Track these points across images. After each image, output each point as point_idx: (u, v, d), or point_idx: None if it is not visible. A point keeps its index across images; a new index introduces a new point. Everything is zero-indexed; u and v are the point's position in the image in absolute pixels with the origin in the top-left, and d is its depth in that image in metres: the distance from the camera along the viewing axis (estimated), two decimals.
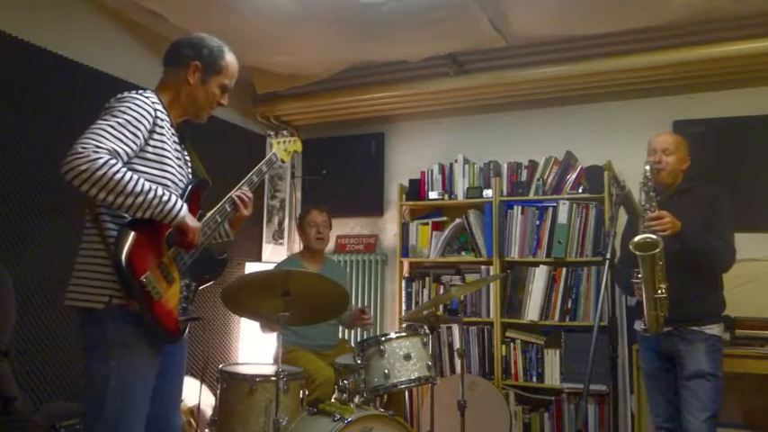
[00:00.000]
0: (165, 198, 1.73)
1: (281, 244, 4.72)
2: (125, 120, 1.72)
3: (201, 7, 3.19)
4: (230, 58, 1.99)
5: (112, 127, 1.69)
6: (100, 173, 1.60)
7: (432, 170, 4.18)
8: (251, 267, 4.23)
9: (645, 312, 2.49)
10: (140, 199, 1.67)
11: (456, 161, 4.11)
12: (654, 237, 2.40)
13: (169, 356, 1.89)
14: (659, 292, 2.44)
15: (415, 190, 4.22)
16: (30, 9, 2.92)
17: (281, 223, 4.74)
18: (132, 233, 1.70)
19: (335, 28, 3.39)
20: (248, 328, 4.11)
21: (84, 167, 1.59)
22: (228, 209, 2.01)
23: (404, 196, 4.23)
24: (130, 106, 1.75)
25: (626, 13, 3.17)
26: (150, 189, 1.70)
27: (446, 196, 4.11)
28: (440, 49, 3.76)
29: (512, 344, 3.81)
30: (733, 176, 3.53)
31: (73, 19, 3.15)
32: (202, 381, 3.28)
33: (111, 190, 1.63)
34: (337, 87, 4.27)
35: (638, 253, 2.40)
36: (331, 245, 4.69)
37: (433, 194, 4.14)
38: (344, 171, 4.63)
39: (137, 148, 1.74)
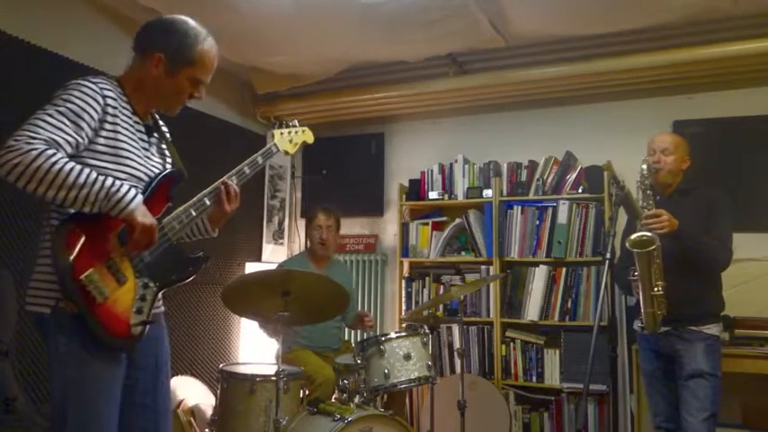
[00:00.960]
0: (114, 189, 1.53)
1: (281, 244, 4.72)
2: (66, 108, 1.54)
3: (201, 7, 3.18)
4: (206, 46, 1.75)
5: (50, 116, 1.52)
6: (34, 165, 1.43)
7: (432, 170, 4.18)
8: (251, 267, 4.23)
9: (642, 310, 2.50)
10: (84, 192, 1.49)
11: (456, 161, 4.11)
12: (650, 234, 2.41)
13: (139, 366, 1.71)
14: (656, 289, 2.44)
15: (415, 190, 4.22)
16: (29, 9, 2.92)
17: (281, 223, 4.74)
18: (72, 228, 1.54)
19: (335, 28, 3.39)
20: (248, 328, 4.12)
21: (16, 161, 1.43)
22: (208, 202, 1.79)
23: (404, 196, 4.23)
24: (73, 93, 1.57)
25: (625, 14, 3.17)
26: (96, 180, 1.51)
27: (446, 196, 4.11)
28: (440, 49, 3.76)
29: (512, 344, 3.82)
30: (733, 177, 3.53)
31: (72, 19, 3.15)
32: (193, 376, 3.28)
33: (50, 183, 1.45)
34: (337, 87, 4.28)
35: (634, 250, 2.41)
36: None
37: (433, 194, 4.14)
38: (344, 171, 4.64)
39: (82, 139, 1.56)
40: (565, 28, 3.42)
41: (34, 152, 1.45)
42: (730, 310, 2.72)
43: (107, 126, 1.63)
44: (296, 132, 2.15)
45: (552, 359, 3.70)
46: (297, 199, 4.87)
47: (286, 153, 2.12)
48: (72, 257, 1.51)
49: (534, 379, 3.75)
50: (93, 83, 1.62)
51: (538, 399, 3.77)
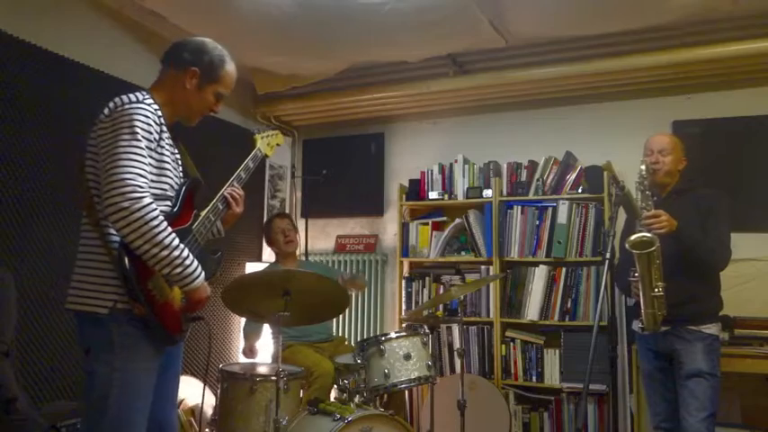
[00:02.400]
0: (188, 262, 1.74)
1: None
2: (139, 141, 1.71)
3: (201, 7, 3.19)
4: (230, 68, 1.98)
5: (139, 158, 1.69)
6: (147, 227, 1.64)
7: (432, 170, 4.19)
8: (251, 267, 4.23)
9: (642, 311, 2.50)
10: (165, 253, 1.68)
11: (456, 161, 4.12)
12: (649, 235, 2.41)
13: (166, 356, 1.90)
14: (656, 290, 2.44)
15: (415, 190, 4.23)
16: (29, 9, 2.93)
17: None
18: None
19: (335, 28, 3.39)
20: None
21: (133, 218, 1.62)
22: (221, 207, 2.03)
23: (404, 196, 4.24)
24: (140, 125, 1.73)
25: (625, 14, 3.18)
26: (178, 246, 1.71)
27: (446, 196, 4.12)
28: (440, 49, 3.77)
29: (511, 343, 3.82)
30: (732, 177, 3.54)
31: (73, 19, 3.15)
32: (205, 381, 3.28)
33: (148, 240, 1.65)
34: (337, 88, 4.28)
35: (634, 251, 2.41)
36: (331, 245, 4.71)
37: (432, 194, 4.15)
38: (344, 171, 4.64)
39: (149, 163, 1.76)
40: (564, 28, 3.43)
41: (145, 211, 1.64)
42: (729, 310, 2.72)
43: (156, 146, 1.80)
44: (272, 136, 2.38)
45: (552, 359, 3.70)
46: (297, 199, 4.87)
47: (266, 156, 2.35)
48: (138, 264, 1.70)
49: (534, 379, 3.75)
50: (148, 105, 1.78)
51: (538, 398, 3.77)
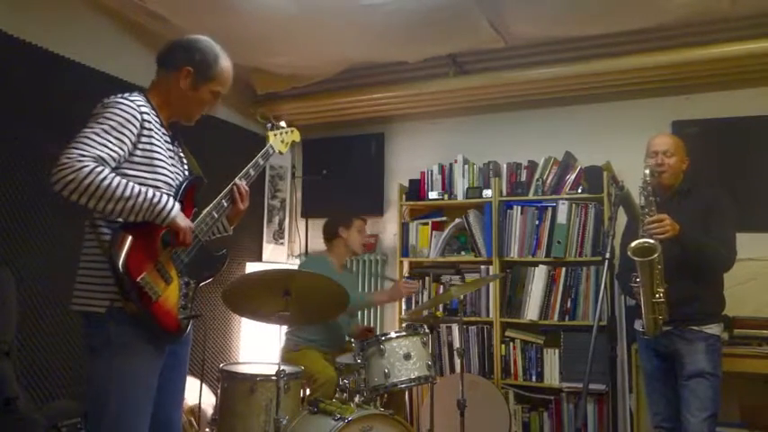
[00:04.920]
0: (156, 200, 1.73)
1: (282, 244, 4.73)
2: (110, 126, 1.72)
3: (201, 7, 3.19)
4: (225, 64, 1.96)
5: (97, 134, 1.69)
6: (87, 182, 1.62)
7: (431, 170, 4.19)
8: (251, 267, 4.23)
9: (643, 316, 2.51)
10: (130, 203, 1.68)
11: (456, 161, 4.12)
12: (651, 241, 2.41)
13: (172, 356, 1.90)
14: (657, 296, 2.45)
15: (415, 190, 4.23)
16: (30, 9, 2.93)
17: (281, 223, 4.75)
18: (126, 236, 1.71)
19: (335, 28, 3.40)
20: (248, 327, 4.13)
21: (70, 177, 1.61)
22: (225, 204, 2.01)
23: (404, 196, 4.24)
24: (115, 112, 1.74)
25: (624, 14, 3.18)
26: (140, 192, 1.70)
27: (446, 196, 4.12)
28: (439, 49, 3.77)
29: (511, 343, 3.82)
30: (732, 177, 3.54)
31: (73, 19, 3.16)
32: (202, 380, 3.28)
33: (100, 197, 1.64)
34: (337, 88, 4.28)
35: (636, 258, 2.40)
36: None
37: (432, 194, 4.15)
38: (344, 171, 4.64)
39: (124, 153, 1.74)
40: (564, 29, 3.43)
41: (86, 169, 1.62)
42: (729, 310, 2.72)
43: (143, 140, 1.80)
44: (286, 133, 2.34)
45: (552, 359, 3.71)
46: (297, 199, 4.87)
47: (280, 152, 2.30)
48: (129, 263, 1.70)
49: (534, 378, 3.75)
50: (131, 101, 1.79)
51: (537, 398, 3.77)
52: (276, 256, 4.60)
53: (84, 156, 1.64)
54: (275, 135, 2.29)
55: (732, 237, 2.59)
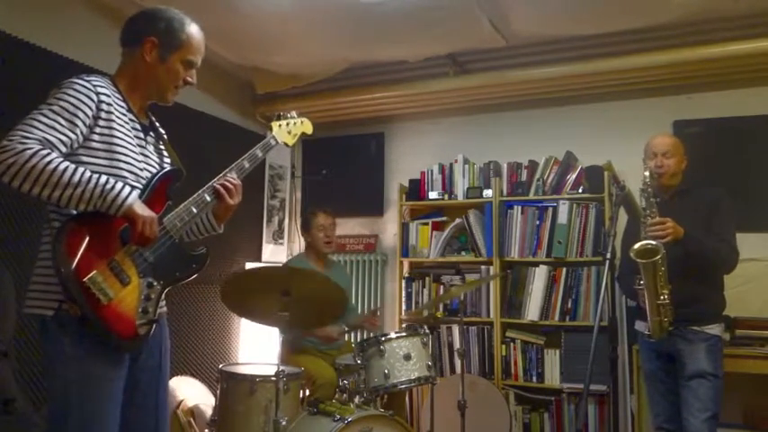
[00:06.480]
0: (109, 186, 1.53)
1: (281, 244, 4.72)
2: (60, 107, 1.54)
3: (201, 7, 3.18)
4: (192, 30, 1.76)
5: (44, 115, 1.52)
6: (28, 165, 1.44)
7: (432, 170, 4.18)
8: (251, 267, 4.22)
9: (648, 318, 2.50)
10: (79, 190, 1.49)
11: (456, 161, 4.11)
12: (654, 243, 2.40)
13: (141, 367, 1.71)
14: (662, 298, 2.44)
15: (415, 190, 4.22)
16: (29, 9, 2.92)
17: (280, 223, 4.74)
18: (74, 228, 1.53)
19: (335, 28, 3.39)
20: (248, 328, 4.11)
21: (10, 161, 1.43)
22: (208, 198, 1.78)
23: (404, 196, 4.23)
24: (67, 92, 1.57)
25: (625, 14, 3.17)
26: (90, 178, 1.51)
27: (446, 196, 4.11)
28: (440, 49, 3.76)
29: (512, 344, 3.81)
30: (733, 177, 3.53)
31: (73, 19, 3.15)
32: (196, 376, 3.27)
33: (44, 183, 1.46)
34: (337, 87, 4.27)
35: (639, 261, 2.39)
36: None
37: (433, 194, 4.14)
38: (344, 171, 4.64)
39: (76, 137, 1.56)
40: (565, 28, 3.42)
41: (28, 152, 1.45)
42: (730, 311, 2.72)
43: (101, 123, 1.62)
44: (294, 123, 2.12)
45: (552, 359, 3.70)
46: (297, 199, 4.86)
47: (286, 145, 2.10)
48: (74, 259, 1.50)
49: (534, 379, 3.75)
50: (87, 80, 1.62)
51: (538, 399, 3.76)
52: (276, 257, 4.60)
53: (27, 138, 1.46)
54: (280, 126, 2.08)
55: (733, 237, 2.59)
